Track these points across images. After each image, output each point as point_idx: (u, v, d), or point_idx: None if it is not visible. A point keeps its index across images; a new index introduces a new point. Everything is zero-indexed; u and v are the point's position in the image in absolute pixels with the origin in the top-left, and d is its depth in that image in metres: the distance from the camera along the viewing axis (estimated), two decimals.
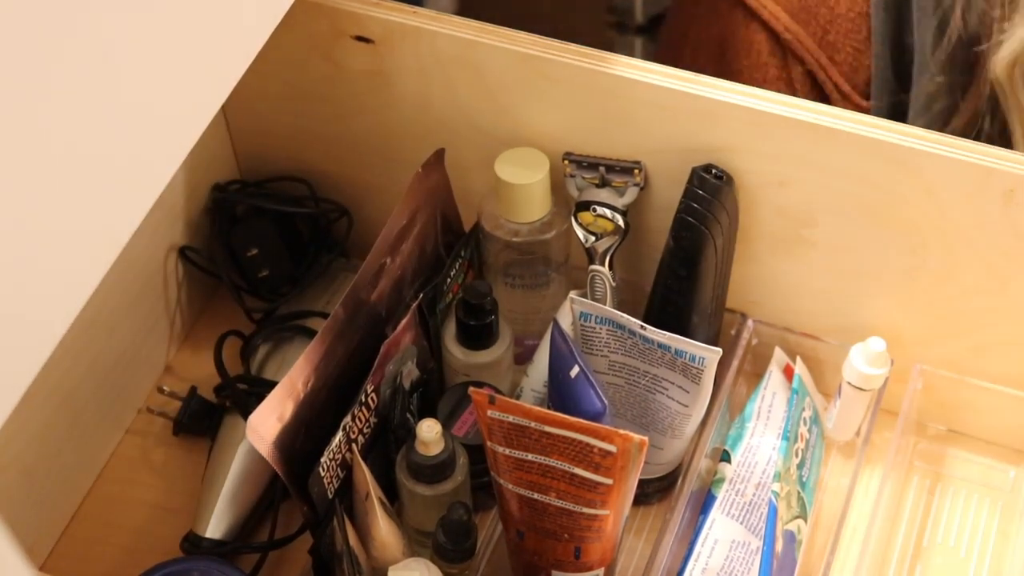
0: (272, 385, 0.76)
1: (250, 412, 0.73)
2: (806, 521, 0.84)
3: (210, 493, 0.87)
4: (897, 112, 0.95)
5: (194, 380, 0.94)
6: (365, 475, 0.77)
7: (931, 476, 0.91)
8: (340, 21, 0.85)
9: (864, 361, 0.85)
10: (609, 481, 0.72)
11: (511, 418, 0.72)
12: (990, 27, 0.89)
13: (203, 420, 0.92)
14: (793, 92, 0.96)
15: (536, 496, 0.75)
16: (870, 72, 0.96)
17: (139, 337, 0.93)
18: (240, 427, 0.88)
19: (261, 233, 0.95)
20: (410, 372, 0.83)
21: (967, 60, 0.92)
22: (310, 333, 0.93)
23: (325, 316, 0.92)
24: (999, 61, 0.88)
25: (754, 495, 0.85)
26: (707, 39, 1.01)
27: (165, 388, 0.93)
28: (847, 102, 0.96)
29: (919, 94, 0.94)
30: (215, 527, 0.86)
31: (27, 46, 0.48)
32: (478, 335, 0.85)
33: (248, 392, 0.90)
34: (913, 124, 0.86)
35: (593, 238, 0.85)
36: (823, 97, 0.97)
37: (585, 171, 0.85)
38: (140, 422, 0.94)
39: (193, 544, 0.85)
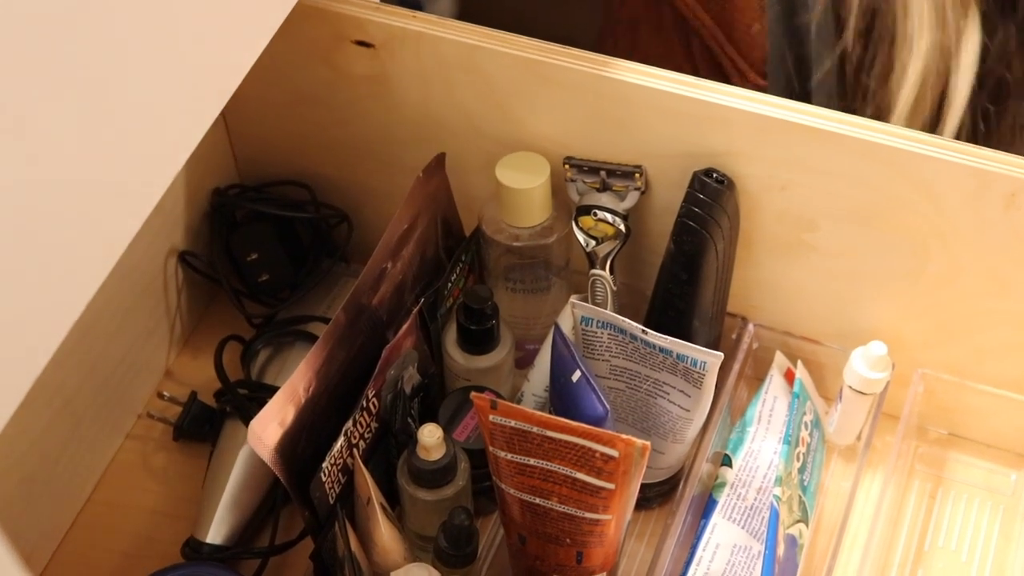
0: (273, 390, 0.76)
1: (250, 417, 0.73)
2: (807, 525, 0.84)
3: (211, 498, 0.87)
4: (791, 91, 0.96)
5: (194, 385, 0.94)
6: (366, 480, 0.77)
7: (932, 480, 0.91)
8: (341, 26, 0.85)
9: (865, 365, 0.85)
10: (611, 486, 0.72)
11: (513, 423, 0.72)
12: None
13: (203, 425, 0.92)
14: (694, 67, 0.99)
15: (538, 501, 0.75)
16: (766, 51, 0.97)
17: (139, 342, 0.93)
18: (240, 432, 0.88)
19: (261, 238, 0.95)
20: (411, 377, 0.83)
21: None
22: (310, 338, 0.93)
23: (325, 321, 0.92)
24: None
25: (755, 499, 0.85)
26: (626, 17, 1.05)
27: (165, 393, 0.93)
28: (744, 79, 0.97)
29: (817, 71, 0.95)
30: (216, 532, 0.86)
31: (29, 51, 0.48)
32: (479, 340, 0.85)
33: (248, 397, 0.90)
34: (817, 102, 0.89)
35: (594, 242, 0.85)
36: (723, 73, 0.98)
37: (586, 175, 0.85)
38: (140, 427, 0.94)
39: (194, 550, 0.85)
